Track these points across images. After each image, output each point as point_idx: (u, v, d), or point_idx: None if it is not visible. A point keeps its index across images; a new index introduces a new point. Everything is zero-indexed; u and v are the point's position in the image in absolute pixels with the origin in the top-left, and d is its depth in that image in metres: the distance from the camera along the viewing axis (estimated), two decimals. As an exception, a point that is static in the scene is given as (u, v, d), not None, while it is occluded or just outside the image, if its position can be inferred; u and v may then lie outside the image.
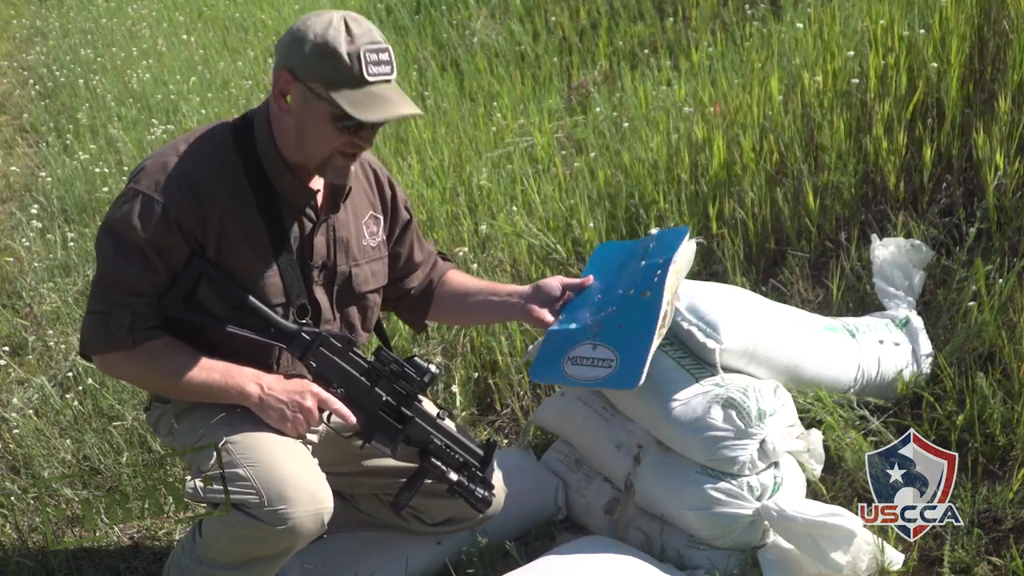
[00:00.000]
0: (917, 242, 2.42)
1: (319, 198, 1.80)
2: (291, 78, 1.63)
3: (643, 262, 1.95)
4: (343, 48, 1.58)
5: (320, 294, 1.82)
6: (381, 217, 1.95)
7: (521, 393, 2.64)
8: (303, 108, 1.65)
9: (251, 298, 1.71)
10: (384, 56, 1.61)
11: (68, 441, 2.57)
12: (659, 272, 1.88)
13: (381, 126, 1.71)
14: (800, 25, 3.52)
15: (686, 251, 1.94)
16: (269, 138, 1.72)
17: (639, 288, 1.88)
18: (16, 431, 2.60)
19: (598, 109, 3.86)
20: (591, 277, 2.00)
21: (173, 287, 1.68)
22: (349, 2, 6.04)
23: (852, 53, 2.96)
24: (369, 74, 1.59)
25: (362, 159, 1.93)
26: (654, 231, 2.12)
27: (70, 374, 2.84)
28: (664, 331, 1.85)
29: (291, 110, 1.66)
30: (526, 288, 1.99)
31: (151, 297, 1.68)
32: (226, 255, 1.70)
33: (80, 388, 2.77)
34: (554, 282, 1.98)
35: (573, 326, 1.92)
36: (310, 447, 1.84)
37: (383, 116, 1.60)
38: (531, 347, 2.19)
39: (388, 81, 1.62)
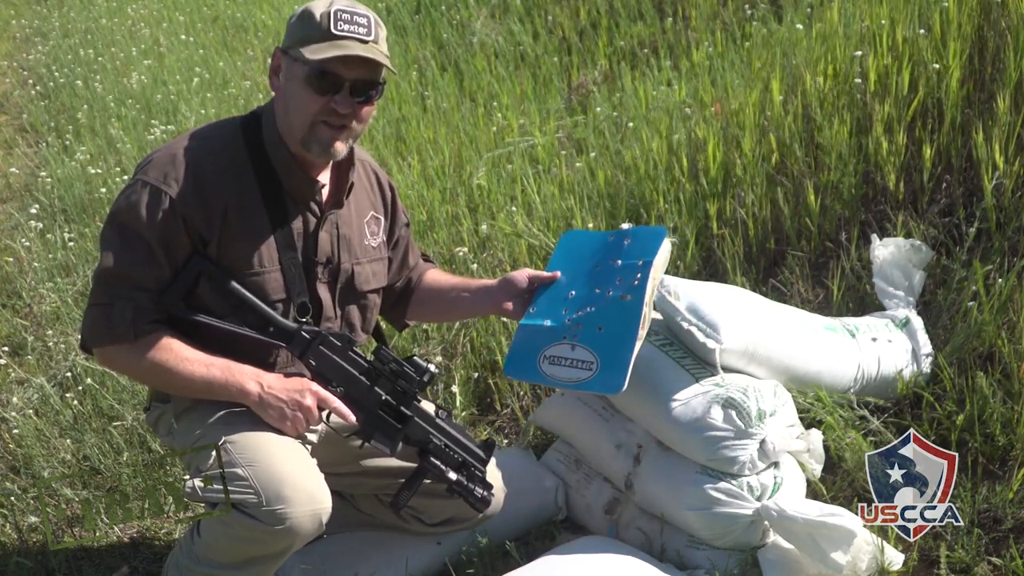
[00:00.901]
0: (917, 242, 2.42)
1: (324, 192, 1.80)
2: (280, 53, 1.70)
3: (619, 261, 1.94)
4: (318, 11, 1.64)
5: (323, 291, 1.82)
6: (382, 218, 1.95)
7: (521, 393, 2.64)
8: (287, 78, 1.69)
9: (251, 296, 1.71)
10: (360, 20, 1.65)
11: (68, 441, 2.57)
12: (639, 275, 1.88)
13: (364, 97, 1.69)
14: (800, 26, 3.52)
15: (663, 253, 1.94)
16: (276, 131, 1.73)
17: (618, 290, 1.88)
18: (16, 431, 2.60)
19: (598, 109, 3.86)
20: (559, 272, 2.00)
21: (174, 284, 1.69)
22: (349, 2, 6.04)
23: (858, 54, 2.96)
24: (337, 29, 1.63)
25: (363, 160, 1.94)
26: (626, 226, 2.12)
27: (69, 374, 2.84)
28: (644, 334, 1.85)
29: (281, 87, 1.71)
30: (495, 282, 2.01)
31: (153, 292, 1.68)
32: (227, 250, 1.70)
33: (80, 388, 2.77)
34: (521, 275, 1.99)
35: (548, 323, 1.91)
36: (309, 447, 1.84)
37: (331, 54, 1.62)
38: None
39: (361, 40, 1.64)
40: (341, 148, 1.72)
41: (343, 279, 1.85)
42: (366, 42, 1.64)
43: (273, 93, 1.76)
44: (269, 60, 1.76)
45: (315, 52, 1.62)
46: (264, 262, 1.73)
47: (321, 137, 1.69)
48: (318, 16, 1.64)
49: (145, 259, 1.66)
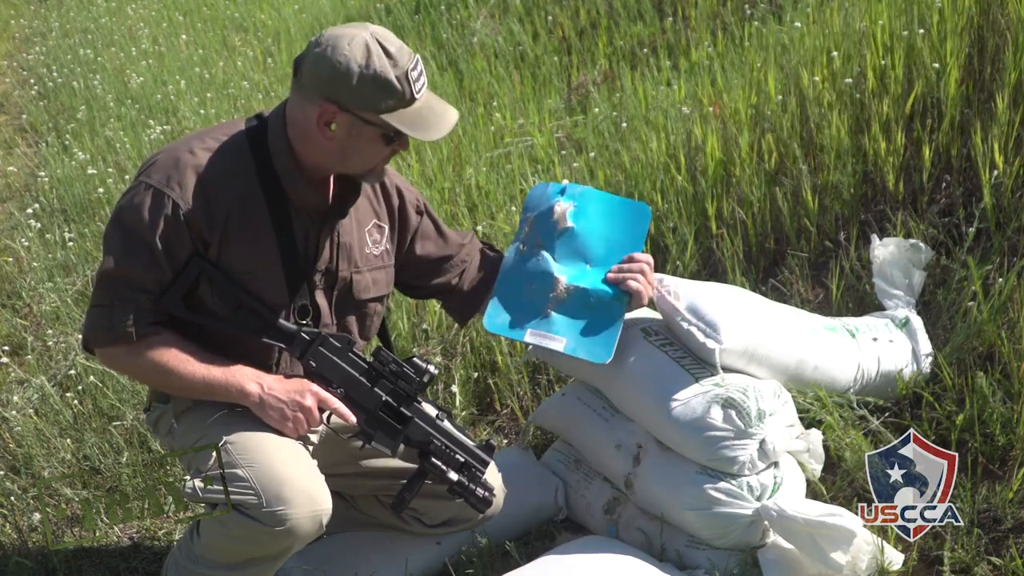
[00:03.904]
0: (917, 242, 2.42)
1: (328, 203, 1.80)
2: (337, 109, 1.64)
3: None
4: (391, 75, 1.61)
5: (320, 298, 1.82)
6: (385, 227, 1.93)
7: (521, 393, 2.64)
8: (350, 134, 1.66)
9: (250, 298, 1.71)
10: (420, 67, 1.67)
11: (68, 441, 2.57)
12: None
13: None
14: (799, 25, 3.52)
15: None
16: (284, 142, 1.71)
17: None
18: (16, 430, 2.60)
19: (597, 109, 3.86)
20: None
21: (173, 285, 1.69)
22: (349, 2, 6.04)
23: (852, 54, 2.96)
24: (416, 92, 1.65)
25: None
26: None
27: (70, 373, 2.84)
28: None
29: (335, 137, 1.67)
30: None
31: (155, 293, 1.68)
32: (228, 254, 1.70)
33: (80, 388, 2.77)
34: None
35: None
36: (310, 448, 1.84)
37: (441, 132, 1.67)
38: (530, 347, 2.19)
39: (422, 89, 1.68)
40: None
41: (340, 287, 1.84)
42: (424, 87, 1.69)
43: (310, 133, 1.69)
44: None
45: (412, 127, 1.64)
46: (265, 267, 1.73)
47: (379, 171, 1.76)
48: (396, 82, 1.61)
49: (147, 261, 1.66)
